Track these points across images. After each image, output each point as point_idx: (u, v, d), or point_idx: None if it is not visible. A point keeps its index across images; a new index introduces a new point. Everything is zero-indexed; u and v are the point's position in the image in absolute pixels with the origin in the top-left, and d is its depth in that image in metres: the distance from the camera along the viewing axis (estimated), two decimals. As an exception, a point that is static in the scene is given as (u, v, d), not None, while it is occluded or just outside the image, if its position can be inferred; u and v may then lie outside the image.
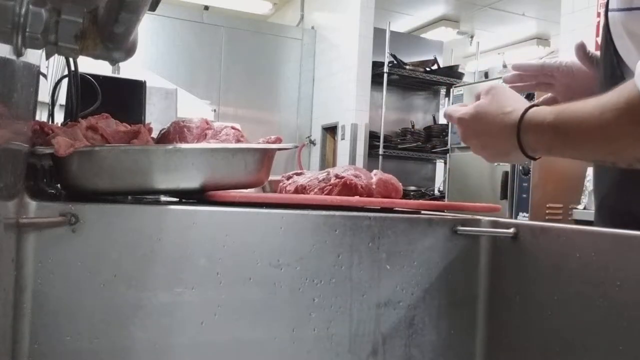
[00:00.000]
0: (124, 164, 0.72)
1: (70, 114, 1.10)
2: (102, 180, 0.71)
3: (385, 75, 5.30)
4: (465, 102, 0.88)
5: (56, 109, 1.19)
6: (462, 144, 3.33)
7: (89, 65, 1.06)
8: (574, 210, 3.13)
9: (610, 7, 0.81)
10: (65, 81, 1.15)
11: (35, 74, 0.74)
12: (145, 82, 1.91)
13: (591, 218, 1.08)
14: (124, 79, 1.94)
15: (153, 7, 0.67)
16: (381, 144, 5.29)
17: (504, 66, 7.62)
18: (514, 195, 3.35)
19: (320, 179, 0.95)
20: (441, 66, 5.75)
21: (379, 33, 5.43)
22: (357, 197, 0.90)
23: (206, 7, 6.21)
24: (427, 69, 5.60)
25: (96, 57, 0.73)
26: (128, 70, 2.03)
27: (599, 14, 3.31)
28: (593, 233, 0.72)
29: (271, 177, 0.94)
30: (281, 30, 6.28)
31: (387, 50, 5.32)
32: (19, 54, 0.55)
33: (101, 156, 0.71)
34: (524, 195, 3.28)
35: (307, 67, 6.33)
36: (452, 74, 5.66)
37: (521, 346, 0.81)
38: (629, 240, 0.67)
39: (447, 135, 3.74)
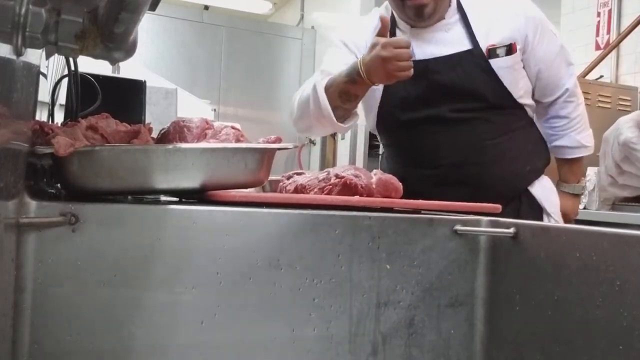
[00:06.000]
0: (124, 164, 0.72)
1: (70, 114, 1.10)
2: (102, 180, 0.71)
3: (385, 75, 5.28)
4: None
5: (56, 108, 1.18)
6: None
7: (89, 65, 1.06)
8: (573, 210, 3.12)
9: None
10: (65, 81, 1.15)
11: (35, 74, 0.74)
12: (145, 82, 1.91)
13: (591, 218, 1.09)
14: (124, 79, 1.93)
15: (153, 7, 0.67)
16: (381, 144, 5.26)
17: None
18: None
19: (320, 179, 0.95)
20: (441, 66, 5.71)
21: (379, 33, 5.41)
22: (357, 197, 0.90)
23: (206, 7, 6.20)
24: (427, 68, 5.55)
25: (96, 57, 0.73)
26: (128, 70, 2.03)
27: (599, 14, 3.32)
28: (593, 233, 0.72)
29: (271, 177, 0.94)
30: (281, 30, 6.27)
31: (387, 50, 5.30)
32: (19, 53, 0.55)
33: (101, 156, 0.71)
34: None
35: (307, 67, 6.31)
36: (452, 73, 5.62)
37: (521, 346, 0.81)
38: (629, 240, 0.67)
39: (447, 135, 3.72)
